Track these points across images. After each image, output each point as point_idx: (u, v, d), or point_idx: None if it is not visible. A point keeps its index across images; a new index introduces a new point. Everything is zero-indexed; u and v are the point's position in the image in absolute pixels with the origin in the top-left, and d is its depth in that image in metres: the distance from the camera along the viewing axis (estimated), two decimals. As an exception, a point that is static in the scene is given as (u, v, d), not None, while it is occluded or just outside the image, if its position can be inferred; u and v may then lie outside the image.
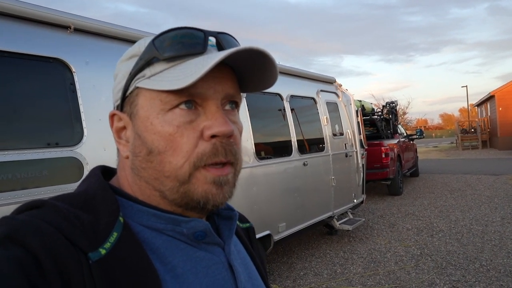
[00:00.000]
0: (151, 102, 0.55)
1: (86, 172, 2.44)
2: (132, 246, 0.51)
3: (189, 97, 0.53)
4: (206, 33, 0.55)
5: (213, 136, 0.54)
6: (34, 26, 2.40)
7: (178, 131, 0.53)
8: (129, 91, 0.57)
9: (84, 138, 2.46)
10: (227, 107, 0.58)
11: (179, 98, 0.53)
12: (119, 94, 0.59)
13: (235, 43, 0.59)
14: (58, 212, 0.49)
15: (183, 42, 0.54)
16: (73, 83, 2.47)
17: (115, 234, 0.51)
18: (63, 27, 2.53)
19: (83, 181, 0.60)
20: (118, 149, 0.61)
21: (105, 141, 2.53)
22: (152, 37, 0.56)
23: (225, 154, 0.54)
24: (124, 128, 0.59)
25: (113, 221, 0.52)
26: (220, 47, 0.56)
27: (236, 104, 0.59)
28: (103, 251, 0.48)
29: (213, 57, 0.50)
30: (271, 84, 0.60)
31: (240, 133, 0.60)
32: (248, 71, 0.58)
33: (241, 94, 0.62)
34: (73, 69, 2.48)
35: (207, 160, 0.53)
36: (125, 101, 0.58)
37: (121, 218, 0.53)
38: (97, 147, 2.51)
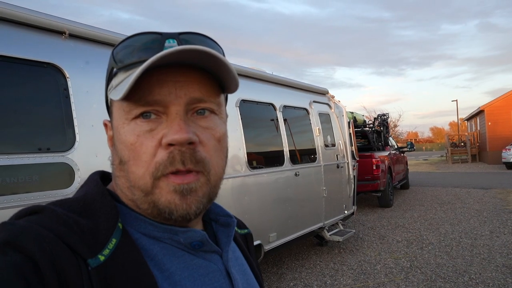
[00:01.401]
0: (118, 112, 0.55)
1: (77, 178, 2.42)
2: (130, 252, 0.51)
3: (146, 105, 0.52)
4: (164, 36, 0.53)
5: (170, 144, 0.52)
6: (29, 31, 2.39)
7: (138, 140, 0.53)
8: (109, 103, 0.59)
9: (76, 144, 2.45)
10: (195, 113, 0.55)
11: (137, 108, 0.53)
12: (106, 105, 0.61)
13: (204, 42, 0.56)
14: (57, 218, 0.49)
15: (139, 49, 0.53)
16: (66, 89, 2.46)
17: (114, 241, 0.51)
18: (58, 32, 2.53)
19: (82, 186, 0.60)
20: None
21: (97, 147, 2.52)
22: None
23: (182, 163, 0.52)
24: (112, 137, 0.60)
25: (112, 227, 0.52)
26: None
27: (209, 110, 0.56)
28: (102, 258, 0.48)
29: (144, 65, 0.48)
30: (234, 82, 0.56)
31: (217, 139, 0.57)
32: (217, 71, 0.55)
33: (222, 97, 0.59)
34: (67, 75, 2.48)
35: (164, 170, 0.52)
36: (109, 112, 0.60)
37: (120, 224, 0.53)
38: (89, 153, 2.49)
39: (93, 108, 2.56)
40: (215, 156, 0.56)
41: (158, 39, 0.53)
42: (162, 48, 0.52)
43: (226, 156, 0.61)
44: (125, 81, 0.52)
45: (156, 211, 0.54)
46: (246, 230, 0.78)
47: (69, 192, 2.38)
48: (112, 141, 0.60)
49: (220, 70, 0.54)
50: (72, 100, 2.47)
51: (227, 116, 0.63)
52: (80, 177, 2.43)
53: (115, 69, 0.55)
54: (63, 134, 2.44)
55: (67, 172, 2.40)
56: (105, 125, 0.62)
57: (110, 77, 0.57)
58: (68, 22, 2.58)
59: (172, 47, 0.52)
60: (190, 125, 0.53)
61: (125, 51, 0.54)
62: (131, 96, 0.51)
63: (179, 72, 0.53)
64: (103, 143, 2.60)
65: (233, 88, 0.57)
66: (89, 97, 2.56)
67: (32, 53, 2.35)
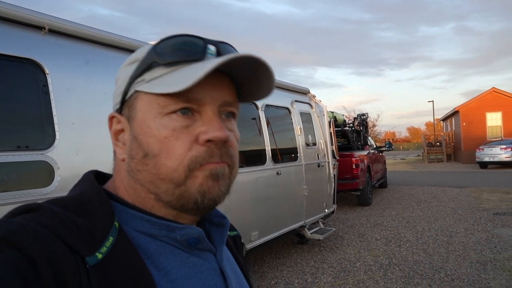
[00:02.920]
0: (149, 105, 0.56)
1: (57, 177, 2.37)
2: (127, 250, 0.51)
3: (186, 102, 0.54)
4: (206, 41, 0.56)
5: (208, 141, 0.54)
6: (7, 25, 2.33)
7: (173, 134, 0.54)
8: (128, 95, 0.58)
9: (56, 141, 2.39)
10: (223, 116, 0.58)
11: (176, 103, 0.54)
12: (119, 98, 0.60)
13: (234, 52, 0.59)
14: (54, 216, 0.49)
15: (183, 49, 0.55)
16: (46, 85, 2.41)
17: (111, 239, 0.51)
18: (38, 27, 2.46)
19: (76, 185, 0.59)
20: (114, 152, 0.61)
21: (78, 146, 2.47)
22: (153, 44, 0.57)
23: (220, 156, 0.55)
24: (122, 130, 0.60)
25: (109, 226, 0.52)
26: (219, 55, 0.56)
27: (233, 114, 0.60)
28: (99, 256, 0.48)
29: (211, 63, 0.51)
30: (267, 93, 0.61)
31: (238, 140, 0.61)
32: (246, 79, 0.59)
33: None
34: (47, 71, 2.42)
35: (201, 162, 0.54)
36: (124, 104, 0.59)
37: (116, 223, 0.53)
38: (70, 151, 2.45)
39: (73, 105, 2.51)
40: (237, 156, 0.60)
41: (201, 43, 0.56)
42: (205, 52, 0.55)
43: None
44: (168, 76, 0.54)
45: (181, 202, 0.55)
46: (235, 232, 0.79)
47: (49, 191, 2.33)
48: (117, 135, 0.60)
49: (256, 80, 0.58)
50: (52, 97, 2.41)
51: None
52: (60, 176, 2.38)
53: (155, 63, 0.56)
54: (43, 132, 2.38)
55: (47, 170, 2.35)
56: (112, 118, 0.61)
57: (143, 70, 0.57)
58: (48, 17, 2.52)
59: (212, 53, 0.56)
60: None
61: (170, 49, 0.56)
62: (180, 91, 0.53)
63: (214, 76, 0.55)
64: (84, 141, 2.57)
65: (257, 97, 0.62)
66: (70, 94, 2.51)
67: (11, 48, 2.28)
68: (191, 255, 0.58)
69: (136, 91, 0.57)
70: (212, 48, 0.56)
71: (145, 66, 0.56)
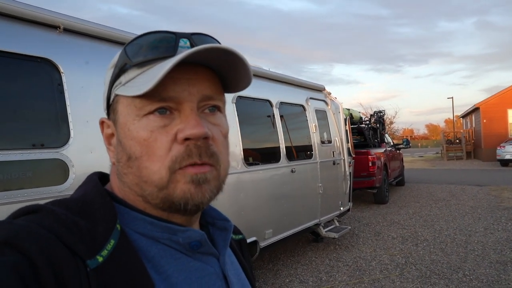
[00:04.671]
0: (127, 108, 0.55)
1: (71, 175, 2.40)
2: (128, 254, 0.51)
3: (161, 101, 0.53)
4: (178, 35, 0.54)
5: (187, 139, 0.53)
6: (22, 25, 2.36)
7: (151, 136, 0.53)
8: (111, 99, 0.59)
9: (71, 140, 2.42)
10: (207, 110, 0.57)
11: (151, 104, 0.53)
12: (105, 103, 0.60)
13: (210, 42, 0.57)
14: (56, 218, 0.49)
15: (153, 46, 0.54)
16: (61, 84, 2.44)
17: (112, 242, 0.50)
18: (53, 27, 2.49)
19: (80, 186, 0.59)
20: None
21: (92, 144, 2.49)
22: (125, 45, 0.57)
23: (199, 156, 0.53)
24: (112, 135, 0.59)
25: (111, 228, 0.51)
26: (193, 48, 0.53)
27: (218, 107, 0.58)
28: (100, 259, 0.48)
29: (173, 60, 0.49)
30: (246, 83, 0.59)
31: (224, 135, 0.59)
32: (226, 70, 0.57)
33: (224, 95, 0.61)
34: (62, 70, 2.45)
35: (181, 163, 0.52)
36: (110, 108, 0.59)
37: (118, 226, 0.53)
38: (84, 149, 2.47)
39: (88, 103, 2.54)
40: (223, 152, 0.58)
41: (172, 38, 0.54)
42: (176, 47, 0.53)
43: (229, 153, 0.62)
44: (141, 77, 0.53)
45: (167, 204, 0.54)
46: (240, 236, 0.78)
47: (63, 188, 2.36)
48: (109, 140, 0.60)
49: (234, 71, 0.56)
50: (66, 95, 2.44)
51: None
52: (75, 174, 2.41)
53: (127, 65, 0.55)
54: (57, 130, 2.42)
55: (62, 168, 2.38)
56: (102, 123, 0.61)
57: (118, 73, 0.56)
58: (62, 16, 2.55)
59: (185, 46, 0.54)
60: (203, 121, 0.55)
61: (140, 48, 0.55)
62: (146, 92, 0.52)
63: (191, 70, 0.54)
64: (98, 139, 2.58)
65: (240, 88, 0.60)
66: (84, 92, 2.53)
67: (26, 48, 2.31)
68: (193, 259, 0.57)
69: (116, 95, 0.57)
70: (185, 41, 0.54)
71: (119, 69, 0.56)
